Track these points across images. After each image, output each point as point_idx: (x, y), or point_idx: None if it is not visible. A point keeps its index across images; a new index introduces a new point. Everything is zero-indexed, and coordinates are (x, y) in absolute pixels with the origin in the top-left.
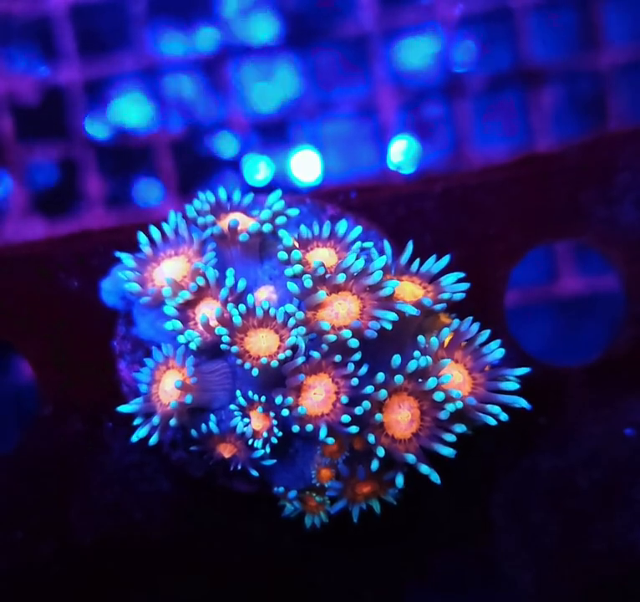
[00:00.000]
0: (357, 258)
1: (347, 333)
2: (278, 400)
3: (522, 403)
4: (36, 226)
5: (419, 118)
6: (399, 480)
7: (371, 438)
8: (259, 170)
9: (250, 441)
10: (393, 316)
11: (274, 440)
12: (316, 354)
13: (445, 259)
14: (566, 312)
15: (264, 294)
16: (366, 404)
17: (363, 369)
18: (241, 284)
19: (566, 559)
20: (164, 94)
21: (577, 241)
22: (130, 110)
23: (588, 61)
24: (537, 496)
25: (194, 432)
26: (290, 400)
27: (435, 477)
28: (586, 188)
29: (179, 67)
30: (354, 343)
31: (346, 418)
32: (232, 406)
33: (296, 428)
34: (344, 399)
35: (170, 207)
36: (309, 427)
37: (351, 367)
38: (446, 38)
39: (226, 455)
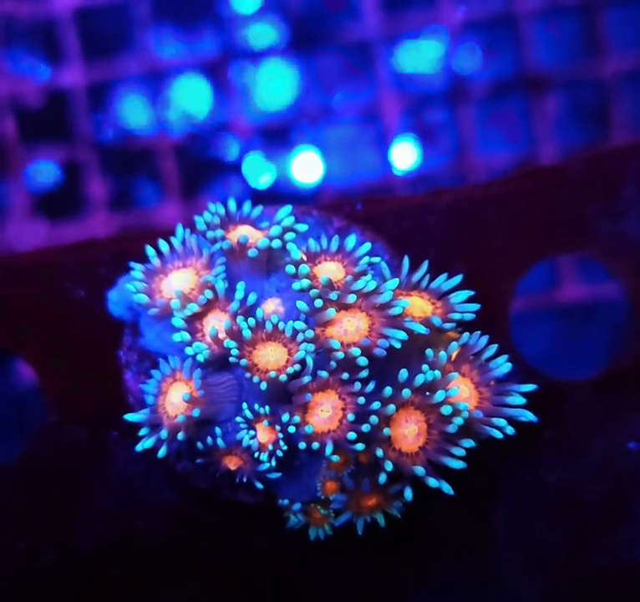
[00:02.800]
0: (365, 274)
1: (356, 351)
2: (285, 418)
3: (529, 416)
4: (38, 228)
5: (421, 123)
6: (408, 493)
7: (379, 452)
8: (261, 173)
9: (255, 454)
10: (402, 335)
11: (279, 453)
12: (323, 374)
13: (457, 278)
14: (568, 320)
15: (271, 306)
16: (373, 419)
17: (370, 387)
18: (251, 298)
19: (570, 571)
20: (167, 96)
21: (582, 254)
22: (133, 113)
23: (592, 68)
24: (542, 508)
25: (199, 445)
26: (297, 418)
27: (447, 488)
28: (591, 201)
29: (182, 70)
30: (363, 361)
31: (352, 435)
32: (238, 419)
33: (302, 445)
34: (351, 416)
35: (173, 210)
36: (315, 445)
37: (358, 386)
38: (450, 43)
39: (232, 467)
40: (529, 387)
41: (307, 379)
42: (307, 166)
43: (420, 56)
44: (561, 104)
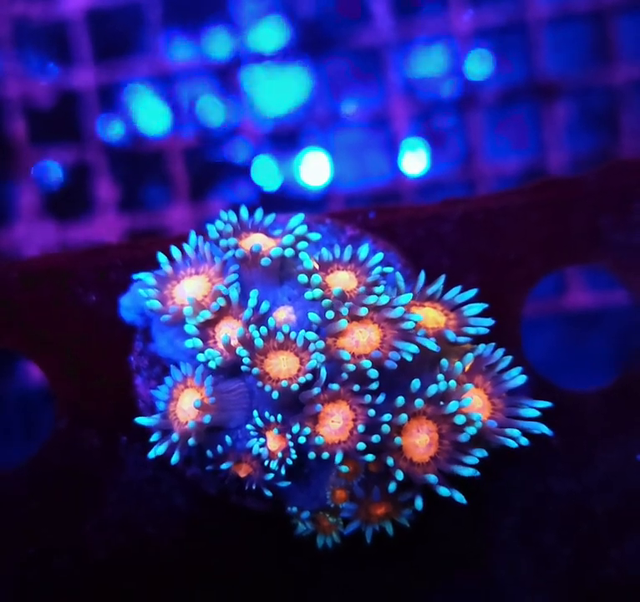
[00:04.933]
0: (377, 284)
1: (367, 363)
2: (295, 428)
3: (543, 429)
4: (47, 229)
5: (431, 128)
6: (418, 502)
7: (390, 461)
8: (270, 176)
9: (265, 462)
10: (414, 348)
11: (289, 461)
12: (335, 386)
13: (472, 292)
14: (576, 327)
15: (283, 315)
16: (385, 428)
17: (381, 398)
18: (264, 306)
19: (578, 582)
20: (177, 99)
21: (596, 266)
22: (143, 115)
23: (602, 76)
24: (550, 519)
25: (209, 453)
26: (307, 429)
27: (459, 497)
28: (605, 214)
29: (192, 73)
30: (374, 373)
31: (362, 446)
32: (249, 426)
33: (312, 455)
34: (361, 428)
35: (182, 212)
36: (325, 455)
37: (368, 398)
38: (461, 49)
39: (241, 474)
40: (544, 404)
41: (317, 390)
42: (315, 170)
43: (431, 62)
44: (571, 111)
